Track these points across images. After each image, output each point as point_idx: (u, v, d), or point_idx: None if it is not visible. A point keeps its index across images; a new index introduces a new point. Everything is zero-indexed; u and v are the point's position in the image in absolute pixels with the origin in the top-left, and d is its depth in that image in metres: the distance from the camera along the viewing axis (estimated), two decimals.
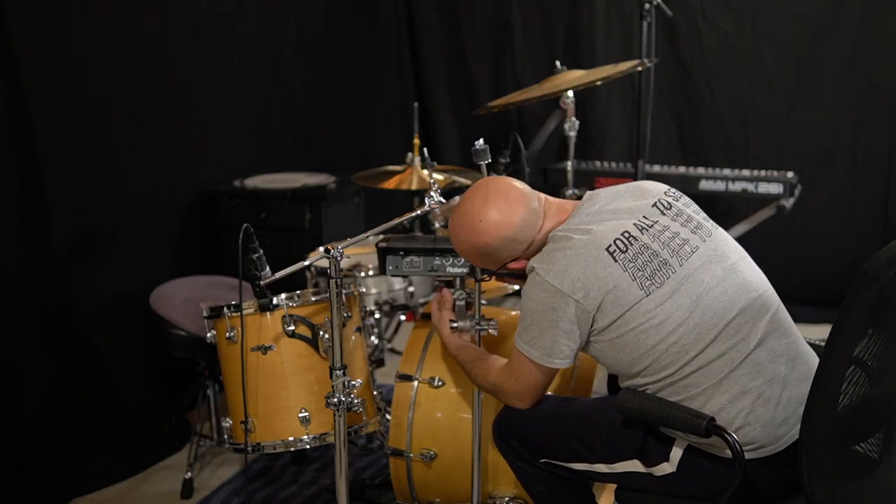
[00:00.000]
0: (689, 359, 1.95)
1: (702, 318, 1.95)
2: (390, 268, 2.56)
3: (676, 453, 2.00)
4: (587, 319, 1.98)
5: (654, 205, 2.08)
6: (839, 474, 1.84)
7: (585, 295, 1.96)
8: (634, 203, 2.08)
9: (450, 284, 2.60)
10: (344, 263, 2.31)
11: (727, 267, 2.02)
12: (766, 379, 1.95)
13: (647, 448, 2.03)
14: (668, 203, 2.09)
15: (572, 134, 3.39)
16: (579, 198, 2.23)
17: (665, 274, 1.97)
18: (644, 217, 2.04)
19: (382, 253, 2.59)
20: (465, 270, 2.48)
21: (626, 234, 1.99)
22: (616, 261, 1.96)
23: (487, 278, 2.34)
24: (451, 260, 2.50)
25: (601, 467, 2.10)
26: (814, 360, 2.03)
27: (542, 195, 2.16)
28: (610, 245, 1.98)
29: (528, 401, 2.14)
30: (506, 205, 2.06)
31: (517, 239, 2.08)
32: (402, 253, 2.56)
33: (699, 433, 1.90)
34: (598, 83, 3.10)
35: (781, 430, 1.95)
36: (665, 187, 2.16)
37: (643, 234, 2.01)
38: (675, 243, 2.01)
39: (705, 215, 2.15)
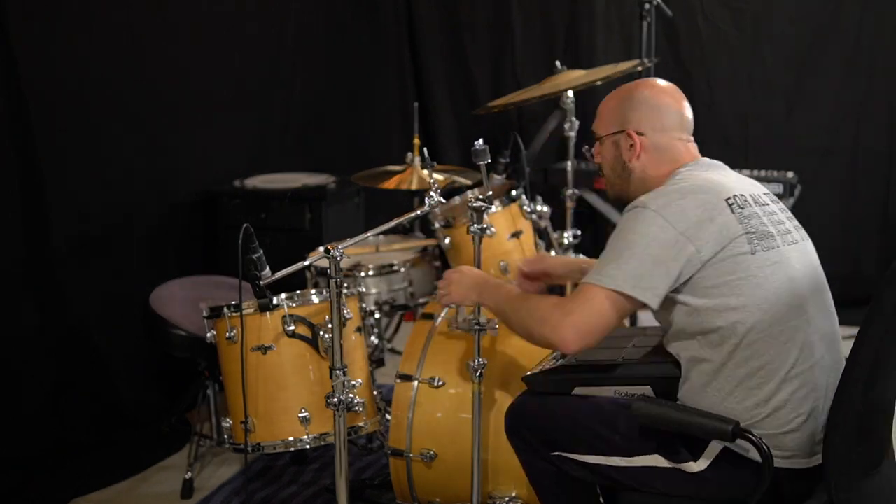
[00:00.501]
0: (774, 333, 1.91)
1: (790, 301, 1.93)
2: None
3: (714, 449, 1.93)
4: (690, 257, 1.89)
5: (751, 195, 2.06)
6: (859, 474, 1.84)
7: (697, 233, 1.90)
8: (731, 182, 2.07)
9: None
10: (344, 263, 2.31)
11: (816, 275, 2.03)
12: (821, 393, 1.93)
13: (672, 445, 1.95)
14: (765, 201, 2.08)
15: (572, 134, 3.39)
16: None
17: (770, 244, 1.95)
18: (752, 195, 2.04)
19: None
20: None
21: (741, 197, 1.99)
22: (733, 212, 1.95)
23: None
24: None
25: (618, 460, 2.00)
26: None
27: (691, 145, 2.20)
28: (729, 197, 1.97)
29: (587, 334, 1.91)
30: (674, 92, 2.21)
31: (651, 111, 2.15)
32: None
33: (726, 439, 1.85)
34: (598, 83, 3.10)
35: (819, 446, 1.92)
36: (762, 189, 2.14)
37: (754, 205, 2.01)
38: (780, 227, 2.01)
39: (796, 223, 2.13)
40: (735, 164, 4.64)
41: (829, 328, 2.02)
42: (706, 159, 2.18)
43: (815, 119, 4.60)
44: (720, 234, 1.92)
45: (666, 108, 2.18)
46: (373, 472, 3.20)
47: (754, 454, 1.88)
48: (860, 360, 1.75)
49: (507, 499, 2.56)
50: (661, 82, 2.23)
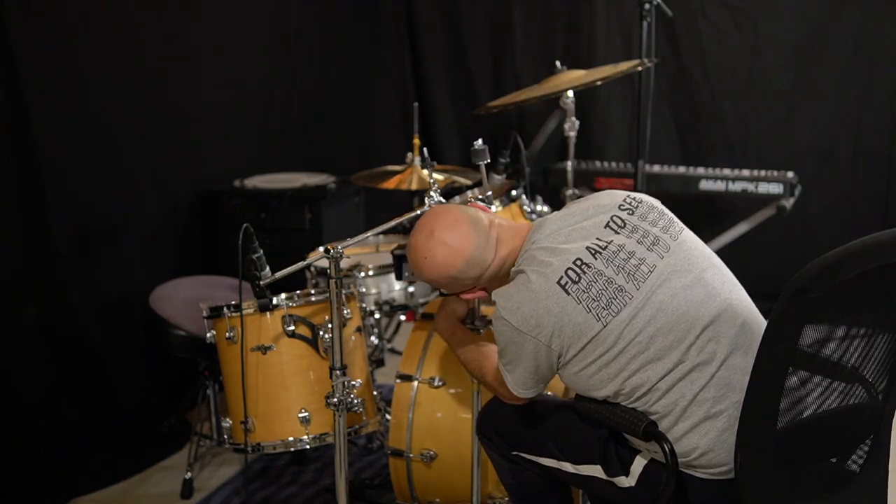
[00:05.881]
0: (652, 385, 1.90)
1: (662, 343, 1.89)
2: (406, 274, 2.56)
3: (638, 466, 1.98)
4: (548, 354, 1.95)
5: (608, 224, 2.00)
6: (799, 493, 1.81)
7: (540, 332, 1.92)
8: (588, 222, 2.01)
9: None
10: (344, 263, 2.31)
11: (689, 282, 1.94)
12: (733, 400, 1.89)
13: (609, 457, 2.01)
14: (622, 220, 2.00)
15: (572, 134, 3.39)
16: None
17: (622, 301, 1.90)
18: (598, 239, 1.97)
19: (398, 260, 2.58)
20: None
21: (579, 262, 1.93)
22: (569, 293, 1.91)
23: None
24: None
25: (568, 466, 2.09)
26: None
27: (496, 220, 2.10)
28: (561, 277, 1.92)
29: (521, 403, 2.13)
30: (448, 244, 2.02)
31: (462, 276, 2.05)
32: None
33: (637, 435, 1.88)
34: (598, 83, 3.10)
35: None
36: (621, 198, 2.07)
37: (596, 259, 1.94)
38: (630, 265, 1.93)
39: (668, 220, 2.05)
40: (735, 164, 4.69)
41: (723, 313, 1.93)
42: (530, 224, 2.11)
43: (815, 119, 4.60)
44: (573, 334, 1.92)
45: (457, 269, 2.06)
46: (373, 472, 3.20)
47: (689, 469, 1.91)
48: (765, 380, 1.72)
49: (506, 499, 2.56)
50: (434, 257, 2.06)
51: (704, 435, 1.89)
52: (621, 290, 1.91)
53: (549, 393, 2.55)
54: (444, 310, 2.40)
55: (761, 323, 1.98)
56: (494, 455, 2.25)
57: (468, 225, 2.04)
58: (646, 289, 1.92)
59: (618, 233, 1.98)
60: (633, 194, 2.09)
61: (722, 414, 1.88)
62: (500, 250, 2.05)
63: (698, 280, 1.95)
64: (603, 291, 1.91)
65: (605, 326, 1.90)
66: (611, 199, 2.07)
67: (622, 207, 2.04)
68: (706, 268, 1.99)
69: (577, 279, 1.92)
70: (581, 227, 2.00)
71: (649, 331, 1.90)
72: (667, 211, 2.09)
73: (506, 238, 2.07)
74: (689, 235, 2.05)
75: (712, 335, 1.91)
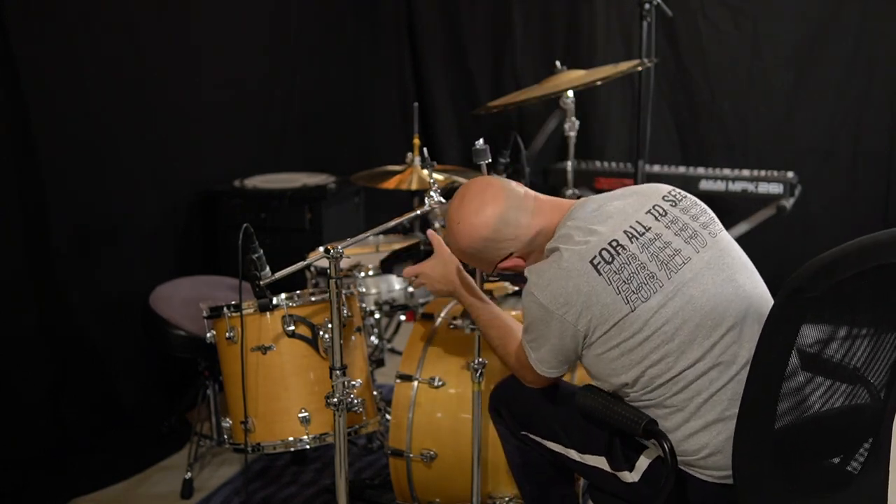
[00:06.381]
0: (672, 377, 1.90)
1: (687, 336, 1.89)
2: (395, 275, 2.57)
3: (643, 463, 1.98)
4: (574, 334, 1.95)
5: (650, 210, 2.00)
6: (798, 494, 1.80)
7: (567, 311, 1.92)
8: (629, 206, 2.01)
9: None
10: (344, 263, 2.31)
11: (721, 279, 1.94)
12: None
13: (614, 451, 2.01)
14: (664, 209, 2.01)
15: (572, 134, 3.39)
16: (579, 197, 2.22)
17: (652, 287, 1.90)
18: (637, 223, 1.97)
19: (396, 258, 2.59)
20: None
21: (614, 243, 1.94)
22: (601, 273, 1.91)
23: (494, 279, 2.34)
24: None
25: (574, 454, 2.10)
26: None
27: (533, 192, 2.11)
28: (595, 257, 1.92)
29: (540, 386, 2.14)
30: (480, 205, 2.04)
31: (497, 238, 2.04)
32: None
33: (636, 434, 1.88)
34: (598, 83, 3.10)
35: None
36: (667, 189, 2.08)
37: (632, 242, 1.94)
38: (665, 254, 1.93)
39: (709, 218, 2.05)
40: (735, 164, 4.68)
41: (749, 315, 1.93)
42: (573, 201, 2.11)
43: (815, 119, 4.60)
44: (601, 315, 1.91)
45: (489, 228, 2.06)
46: (373, 472, 3.20)
47: (693, 469, 1.91)
48: (762, 381, 1.72)
49: (507, 499, 2.56)
50: (466, 218, 2.08)
51: (716, 436, 1.89)
52: (653, 276, 1.91)
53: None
54: (452, 269, 2.33)
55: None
56: (503, 430, 2.25)
57: (499, 187, 2.07)
58: (677, 279, 1.92)
59: (658, 220, 1.99)
60: (677, 189, 2.11)
61: (733, 419, 1.86)
62: (536, 218, 2.06)
63: (730, 280, 1.95)
64: (634, 275, 1.91)
65: (633, 310, 1.90)
66: (657, 188, 2.09)
67: (666, 198, 2.05)
68: (739, 269, 1.99)
69: (610, 260, 1.92)
70: (622, 211, 2.00)
71: (676, 322, 1.90)
72: (709, 210, 2.10)
73: (544, 209, 2.08)
74: (726, 237, 2.06)
75: (736, 337, 1.91)
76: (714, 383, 1.89)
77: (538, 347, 2.02)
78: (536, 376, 2.08)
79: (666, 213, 2.01)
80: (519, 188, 2.10)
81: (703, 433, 1.89)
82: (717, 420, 1.89)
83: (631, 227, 1.97)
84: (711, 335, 1.90)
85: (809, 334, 1.69)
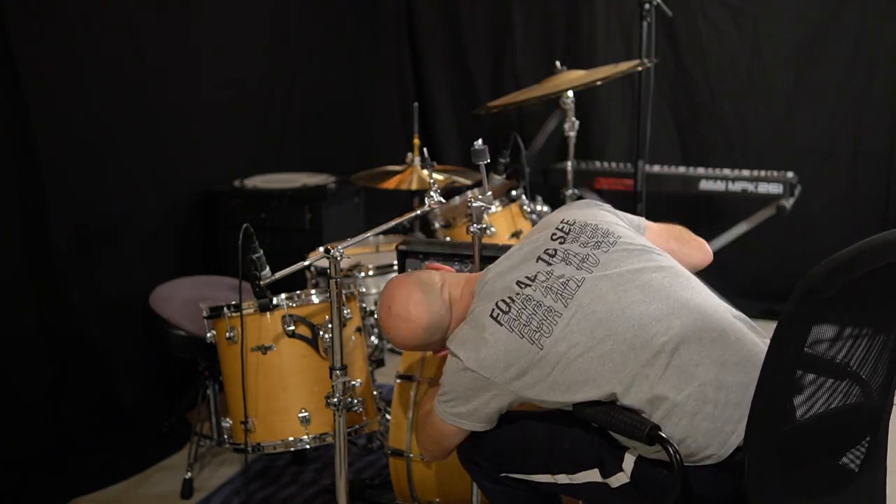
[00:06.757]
0: (609, 390, 1.90)
1: (603, 349, 1.91)
2: (410, 270, 2.57)
3: (629, 462, 1.97)
4: (504, 395, 1.99)
5: (539, 258, 2.05)
6: (802, 493, 1.80)
7: (494, 371, 1.96)
8: (521, 260, 2.06)
9: None
10: (344, 263, 2.31)
11: (622, 285, 1.96)
12: (695, 385, 1.88)
13: (604, 458, 2.01)
14: (553, 250, 2.05)
15: (572, 134, 3.39)
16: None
17: (552, 321, 1.94)
18: (526, 276, 2.02)
19: (402, 256, 2.59)
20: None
21: (508, 294, 1.99)
22: (502, 324, 1.96)
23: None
24: (469, 266, 2.51)
25: (563, 478, 2.08)
26: (757, 357, 1.89)
27: (447, 280, 2.17)
28: (493, 310, 1.98)
29: (435, 455, 2.20)
30: (407, 318, 2.12)
31: (428, 340, 2.14)
32: (421, 256, 2.57)
33: (641, 440, 1.87)
34: (598, 83, 3.10)
35: (727, 428, 1.88)
36: (554, 225, 2.11)
37: (525, 289, 1.99)
38: (557, 284, 1.97)
39: (604, 231, 2.07)
40: (735, 164, 4.69)
41: (666, 308, 1.93)
42: (477, 276, 2.16)
43: (815, 119, 4.60)
44: (515, 361, 1.94)
45: (419, 339, 2.16)
46: (373, 472, 3.20)
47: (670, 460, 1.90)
48: (774, 382, 1.70)
49: None
50: (397, 332, 2.17)
51: (676, 424, 1.87)
52: (550, 310, 1.95)
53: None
54: None
55: (711, 298, 2.00)
56: (485, 483, 2.21)
57: (421, 295, 2.13)
58: (575, 303, 1.95)
59: (550, 264, 2.03)
60: (567, 218, 2.12)
61: (688, 400, 1.87)
62: (454, 310, 2.14)
63: (631, 281, 1.97)
64: (533, 316, 1.95)
65: (540, 349, 1.93)
66: (545, 230, 2.12)
67: (554, 237, 2.08)
68: (640, 269, 2.00)
69: (507, 309, 1.97)
70: (516, 267, 2.06)
71: (586, 342, 1.92)
72: (604, 223, 2.10)
73: (456, 296, 2.15)
74: (624, 241, 2.06)
75: (655, 329, 1.91)
76: (650, 378, 1.89)
77: (457, 405, 2.04)
78: (439, 445, 2.13)
79: (555, 253, 2.04)
80: (436, 283, 2.16)
81: (665, 424, 1.88)
82: (673, 407, 1.88)
83: (524, 277, 2.02)
84: (626, 338, 1.90)
85: (819, 334, 1.69)
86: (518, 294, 1.98)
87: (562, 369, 1.93)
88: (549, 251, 2.05)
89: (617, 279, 1.97)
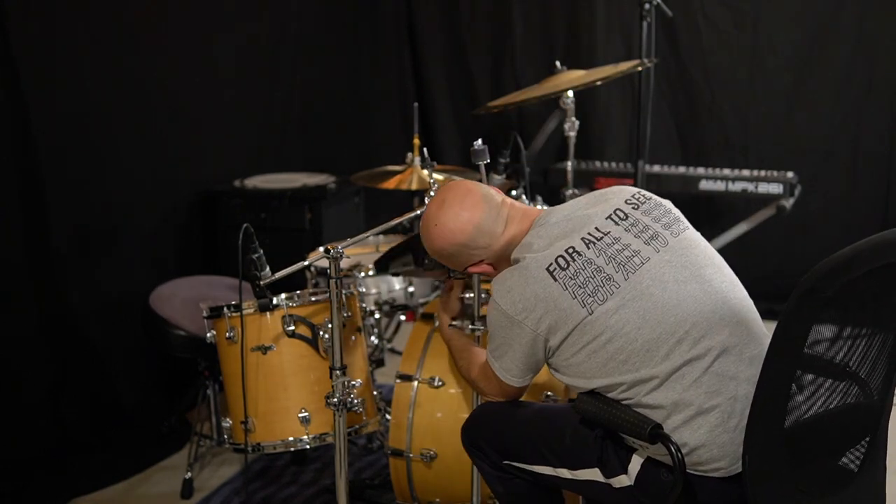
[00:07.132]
0: (642, 378, 1.89)
1: (651, 335, 1.89)
2: (427, 262, 2.51)
3: (635, 465, 1.96)
4: (534, 340, 1.97)
5: (610, 215, 2.02)
6: (802, 493, 1.80)
7: (527, 317, 1.95)
8: (589, 213, 2.03)
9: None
10: (344, 263, 2.31)
11: (684, 277, 1.94)
12: (726, 397, 1.87)
13: (606, 458, 2.00)
14: (625, 213, 2.02)
15: (572, 134, 3.39)
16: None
17: (608, 290, 1.91)
18: (596, 229, 1.99)
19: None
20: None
21: (571, 250, 1.96)
22: (556, 280, 1.93)
23: (460, 276, 2.36)
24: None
25: (565, 472, 2.07)
26: None
27: (508, 200, 2.14)
28: (551, 264, 1.94)
29: (503, 400, 2.16)
30: (459, 210, 2.07)
31: (471, 245, 2.08)
32: (422, 255, 2.56)
33: (643, 438, 1.87)
34: (598, 83, 3.10)
35: (742, 449, 1.86)
36: (630, 193, 2.09)
37: (589, 248, 1.96)
38: (623, 256, 1.95)
39: (673, 218, 2.05)
40: (735, 164, 4.68)
41: (718, 310, 1.92)
42: (541, 210, 2.14)
43: (815, 119, 4.60)
44: (559, 320, 1.93)
45: (466, 235, 2.09)
46: (373, 472, 3.20)
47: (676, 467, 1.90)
48: (774, 381, 1.71)
49: None
50: (444, 223, 2.10)
51: (696, 430, 1.87)
52: (609, 279, 1.93)
53: (539, 400, 2.55)
54: (444, 310, 2.44)
55: (758, 322, 1.98)
56: (484, 466, 2.21)
57: (479, 196, 2.09)
58: (635, 280, 1.93)
59: (618, 224, 2.00)
60: (642, 191, 2.11)
61: (714, 410, 1.87)
62: (508, 228, 2.09)
63: (694, 276, 1.95)
64: (590, 279, 1.93)
65: (590, 314, 1.91)
66: (619, 193, 2.10)
67: (628, 202, 2.06)
68: (704, 265, 1.99)
69: (565, 266, 1.94)
70: (584, 217, 2.03)
71: (637, 321, 1.90)
72: (674, 210, 2.10)
73: (515, 218, 2.10)
74: (692, 235, 2.05)
75: (705, 331, 1.90)
76: (686, 378, 1.88)
77: (502, 356, 2.04)
78: (500, 387, 2.10)
79: (626, 217, 2.02)
80: (497, 196, 2.12)
81: (684, 429, 1.88)
82: (696, 414, 1.87)
83: (589, 233, 1.99)
84: (676, 332, 1.89)
85: (818, 334, 1.69)
86: (580, 254, 1.95)
87: (604, 342, 1.91)
88: (621, 213, 2.02)
89: (681, 269, 1.96)
